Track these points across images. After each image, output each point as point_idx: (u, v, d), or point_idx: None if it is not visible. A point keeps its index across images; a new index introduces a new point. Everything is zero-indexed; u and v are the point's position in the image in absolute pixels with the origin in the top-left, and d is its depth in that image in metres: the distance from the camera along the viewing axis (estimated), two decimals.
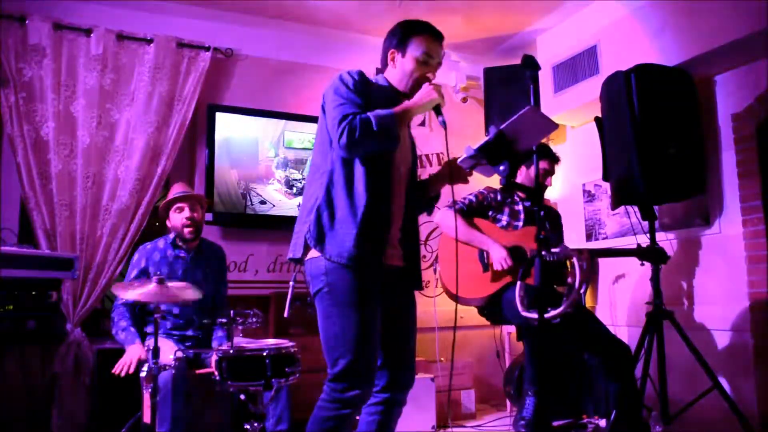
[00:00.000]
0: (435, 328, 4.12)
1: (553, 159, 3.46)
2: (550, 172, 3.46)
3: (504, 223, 3.33)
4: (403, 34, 2.12)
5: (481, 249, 3.27)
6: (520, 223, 3.31)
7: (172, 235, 3.17)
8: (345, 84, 2.00)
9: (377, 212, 1.97)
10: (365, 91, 2.00)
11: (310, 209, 2.02)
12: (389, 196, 2.02)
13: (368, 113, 1.92)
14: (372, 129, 1.89)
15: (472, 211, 3.35)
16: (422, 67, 2.08)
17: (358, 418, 2.11)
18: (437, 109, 2.06)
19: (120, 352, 2.91)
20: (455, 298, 3.31)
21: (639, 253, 3.07)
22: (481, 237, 3.25)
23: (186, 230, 3.10)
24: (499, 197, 3.39)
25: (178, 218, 3.11)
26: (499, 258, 3.15)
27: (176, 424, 2.63)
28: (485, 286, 3.22)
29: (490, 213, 3.38)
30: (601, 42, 3.93)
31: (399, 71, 2.12)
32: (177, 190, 3.21)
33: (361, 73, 2.04)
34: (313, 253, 2.00)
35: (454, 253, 3.33)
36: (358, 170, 1.99)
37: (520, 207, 3.36)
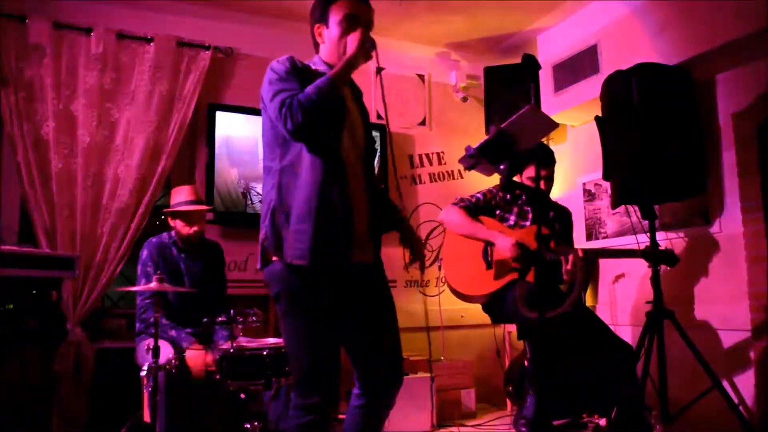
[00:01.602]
0: (440, 327, 4.12)
1: (543, 164, 3.30)
2: (536, 177, 3.31)
3: (512, 222, 3.31)
4: (322, 4, 2.01)
5: (485, 246, 3.25)
6: (528, 223, 3.30)
7: (174, 234, 3.18)
8: (277, 73, 1.92)
9: (333, 205, 1.88)
10: (299, 76, 1.91)
11: (265, 214, 1.94)
12: (345, 187, 1.92)
13: (305, 89, 1.84)
14: (311, 99, 1.80)
15: (478, 209, 3.33)
16: (349, 30, 1.95)
17: (342, 417, 2.09)
18: (367, 55, 1.93)
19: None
20: (459, 295, 3.32)
21: (649, 255, 3.05)
22: (485, 230, 3.22)
23: (191, 239, 3.14)
24: (508, 196, 3.34)
25: (184, 228, 3.12)
26: (506, 247, 3.07)
27: (175, 424, 2.63)
28: (488, 283, 3.21)
29: (497, 212, 3.35)
30: (601, 41, 3.93)
31: (329, 44, 2.02)
32: (184, 197, 3.15)
33: (291, 59, 1.97)
34: (274, 258, 1.92)
35: (458, 249, 3.32)
36: (306, 164, 1.89)
37: (529, 207, 3.33)
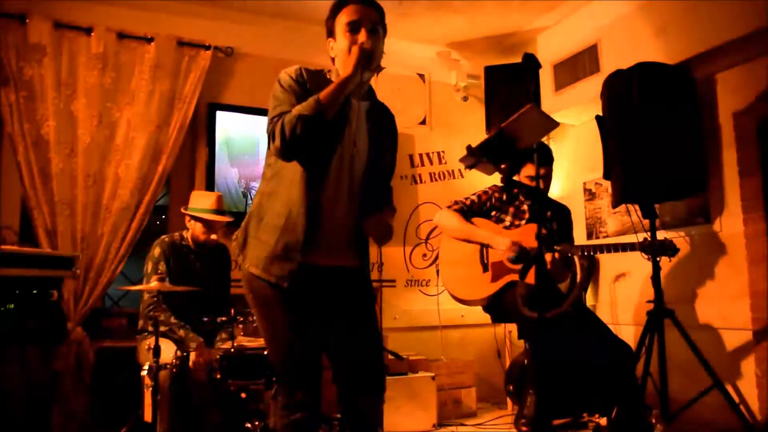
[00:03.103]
0: (439, 327, 4.13)
1: (542, 162, 3.26)
2: (536, 176, 3.32)
3: (507, 223, 3.31)
4: (329, 21, 1.98)
5: (481, 248, 3.25)
6: (524, 223, 3.29)
7: (186, 235, 3.20)
8: (281, 84, 1.90)
9: (298, 227, 1.86)
10: (306, 88, 1.88)
11: (246, 216, 1.99)
12: (317, 208, 1.88)
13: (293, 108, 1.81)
14: (293, 123, 1.77)
15: (473, 211, 3.33)
16: (353, 36, 1.89)
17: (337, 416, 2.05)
18: (367, 63, 1.85)
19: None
20: (458, 300, 3.32)
21: (647, 247, 3.03)
22: (481, 233, 3.22)
23: (207, 244, 3.18)
24: (504, 196, 3.35)
25: (202, 234, 3.15)
26: (504, 246, 3.07)
27: (176, 423, 2.63)
28: (486, 286, 3.21)
29: (493, 213, 3.34)
30: (601, 40, 3.92)
31: (339, 58, 1.96)
32: (210, 204, 3.16)
33: (299, 70, 1.93)
34: (238, 258, 1.97)
35: (454, 254, 3.32)
36: (288, 177, 1.89)
37: (526, 206, 3.33)
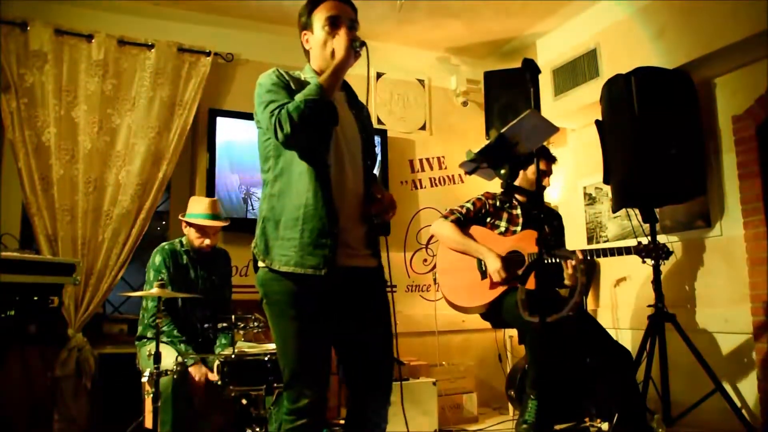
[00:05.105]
0: (435, 332, 4.12)
1: (550, 159, 3.39)
2: (548, 172, 3.41)
3: (503, 229, 3.32)
4: (306, 14, 2.01)
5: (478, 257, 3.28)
6: (519, 228, 3.31)
7: (185, 241, 3.19)
8: (263, 86, 1.95)
9: (319, 213, 1.86)
10: (288, 86, 1.92)
11: (258, 223, 1.99)
12: (331, 195, 1.89)
13: (294, 98, 1.85)
14: (299, 108, 1.79)
15: (469, 220, 3.35)
16: (333, 30, 1.95)
17: (341, 422, 2.05)
18: (356, 56, 1.92)
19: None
20: (457, 308, 3.33)
21: (641, 251, 3.04)
22: (477, 247, 3.25)
23: (203, 250, 3.15)
24: (497, 203, 3.37)
25: (197, 239, 3.12)
26: (493, 270, 3.15)
27: (177, 430, 2.62)
28: (484, 293, 3.21)
29: (488, 219, 3.36)
30: (601, 45, 3.93)
31: (315, 50, 2.00)
32: (202, 209, 3.14)
33: (276, 71, 1.97)
34: (261, 264, 1.96)
35: (452, 262, 3.34)
36: (295, 173, 1.90)
37: (519, 211, 3.35)
